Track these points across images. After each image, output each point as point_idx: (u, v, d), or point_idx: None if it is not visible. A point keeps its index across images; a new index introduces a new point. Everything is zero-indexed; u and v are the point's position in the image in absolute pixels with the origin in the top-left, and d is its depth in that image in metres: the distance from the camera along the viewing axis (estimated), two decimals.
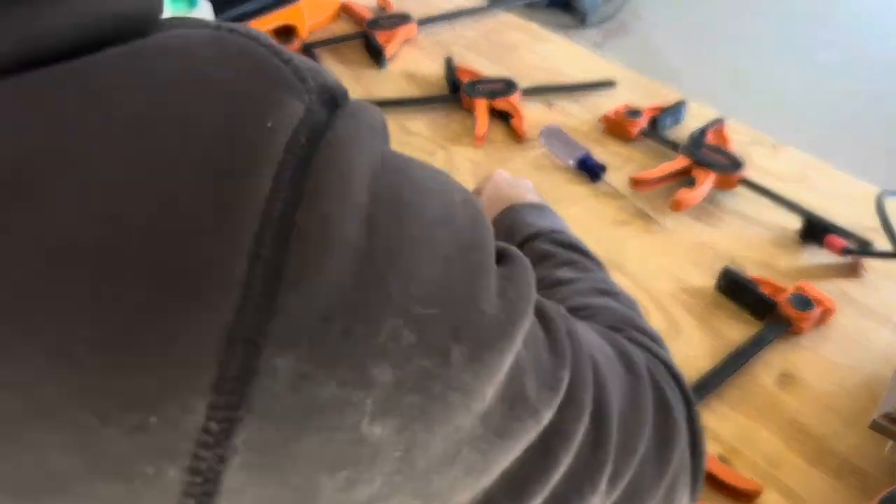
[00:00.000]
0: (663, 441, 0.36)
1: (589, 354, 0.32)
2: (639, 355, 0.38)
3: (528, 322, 0.27)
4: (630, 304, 0.48)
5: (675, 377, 0.40)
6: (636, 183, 0.80)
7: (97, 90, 0.21)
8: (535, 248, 0.56)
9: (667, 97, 0.94)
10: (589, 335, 0.35)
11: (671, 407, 0.37)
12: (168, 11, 0.73)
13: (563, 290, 0.49)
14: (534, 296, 0.28)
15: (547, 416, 0.28)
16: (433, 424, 0.23)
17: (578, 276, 0.51)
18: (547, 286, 0.50)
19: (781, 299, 0.67)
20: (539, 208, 0.62)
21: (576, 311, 0.44)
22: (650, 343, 0.41)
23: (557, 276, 0.51)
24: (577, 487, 0.30)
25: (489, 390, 0.25)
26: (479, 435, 0.25)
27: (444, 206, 0.26)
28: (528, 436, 0.27)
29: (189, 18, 0.26)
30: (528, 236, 0.57)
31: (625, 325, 0.43)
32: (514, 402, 0.26)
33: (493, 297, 0.25)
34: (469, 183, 0.83)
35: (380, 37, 1.03)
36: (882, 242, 0.71)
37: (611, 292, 0.48)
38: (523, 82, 0.95)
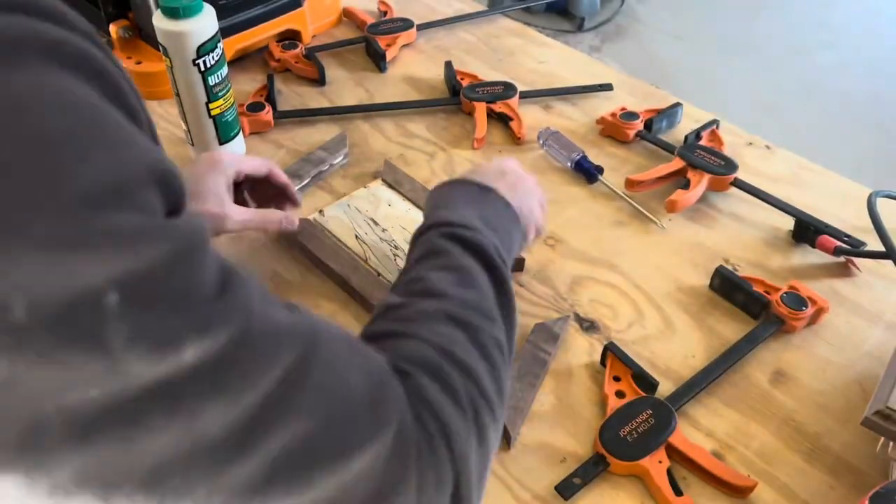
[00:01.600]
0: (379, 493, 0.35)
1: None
2: (396, 403, 0.37)
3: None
4: (482, 341, 0.45)
5: (449, 438, 0.39)
6: (632, 184, 0.81)
7: None
8: (431, 240, 0.52)
9: (662, 100, 0.95)
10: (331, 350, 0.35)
11: (406, 470, 0.36)
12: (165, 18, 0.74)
13: (416, 306, 0.46)
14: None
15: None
16: None
17: (448, 291, 0.47)
18: (412, 292, 0.48)
19: (775, 298, 0.68)
20: (480, 196, 0.58)
21: (395, 336, 0.43)
22: (437, 396, 0.40)
23: (428, 283, 0.48)
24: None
25: None
26: None
27: None
28: None
29: None
30: (434, 223, 0.54)
31: (428, 364, 0.41)
32: None
33: None
34: None
35: (381, 41, 1.04)
36: (874, 242, 0.72)
37: (466, 323, 0.45)
38: (522, 86, 0.96)
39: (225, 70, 0.80)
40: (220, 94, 0.80)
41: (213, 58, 0.77)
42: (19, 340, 0.25)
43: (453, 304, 0.46)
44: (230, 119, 0.83)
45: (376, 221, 0.78)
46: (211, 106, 0.80)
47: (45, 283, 0.25)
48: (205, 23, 0.75)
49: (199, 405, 0.28)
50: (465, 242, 0.51)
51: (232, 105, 0.83)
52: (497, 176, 0.62)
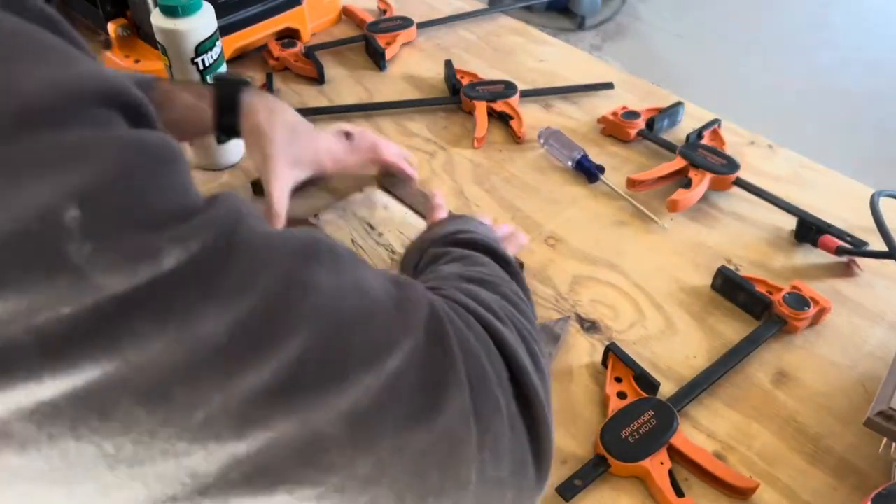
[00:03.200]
0: (423, 392, 0.34)
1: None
2: (422, 297, 0.38)
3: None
4: (504, 293, 0.47)
5: (498, 342, 0.40)
6: (633, 184, 0.81)
7: None
8: (427, 252, 0.56)
9: (664, 99, 0.95)
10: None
11: (449, 356, 0.36)
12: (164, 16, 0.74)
13: (431, 275, 0.50)
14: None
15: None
16: None
17: (457, 271, 0.50)
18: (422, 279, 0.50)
19: (777, 298, 0.67)
20: (459, 220, 0.62)
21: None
22: (474, 305, 0.42)
23: (437, 272, 0.51)
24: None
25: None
26: None
27: None
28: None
29: None
30: (423, 245, 0.57)
31: (460, 288, 0.44)
32: None
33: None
34: (470, 184, 0.84)
35: (381, 40, 1.04)
36: (876, 242, 0.71)
37: (486, 281, 0.47)
38: (522, 85, 0.96)
39: (224, 68, 0.79)
40: None
41: (211, 56, 0.77)
42: None
43: (468, 272, 0.49)
44: None
45: (373, 226, 0.77)
46: None
47: None
48: (203, 21, 0.75)
49: (190, 308, 0.27)
50: (460, 243, 0.54)
51: None
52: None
